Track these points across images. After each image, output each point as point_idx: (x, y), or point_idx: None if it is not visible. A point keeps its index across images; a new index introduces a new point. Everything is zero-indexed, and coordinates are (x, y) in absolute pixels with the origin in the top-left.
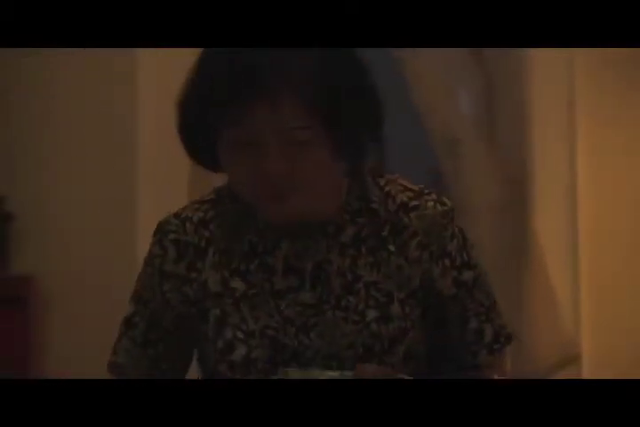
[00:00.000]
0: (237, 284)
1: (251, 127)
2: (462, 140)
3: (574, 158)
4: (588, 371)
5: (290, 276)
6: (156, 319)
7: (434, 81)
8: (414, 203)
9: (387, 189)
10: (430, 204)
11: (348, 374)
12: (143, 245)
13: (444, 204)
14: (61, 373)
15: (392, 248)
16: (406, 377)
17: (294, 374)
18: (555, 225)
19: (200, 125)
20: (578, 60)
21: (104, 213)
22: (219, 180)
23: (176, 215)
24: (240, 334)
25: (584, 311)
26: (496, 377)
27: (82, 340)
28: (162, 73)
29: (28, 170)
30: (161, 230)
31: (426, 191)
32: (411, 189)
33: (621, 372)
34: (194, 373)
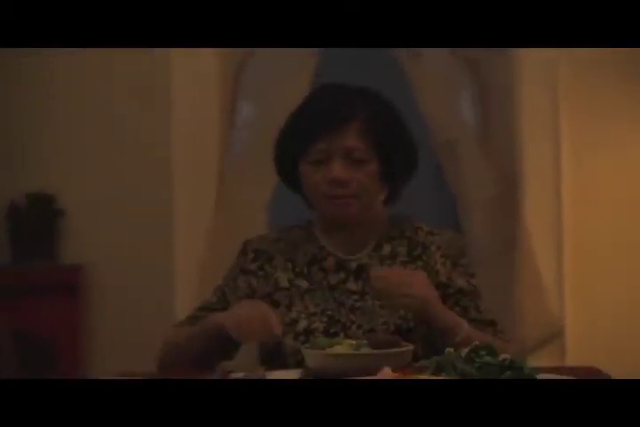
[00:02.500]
0: (302, 282)
1: (324, 150)
2: (459, 141)
3: (559, 157)
4: (570, 345)
5: (340, 272)
6: (227, 303)
7: (434, 86)
8: (436, 231)
9: (415, 224)
10: (449, 233)
11: (365, 349)
12: (179, 237)
13: (459, 233)
14: (108, 356)
15: (422, 262)
16: (408, 345)
17: (311, 353)
18: (542, 217)
19: (290, 153)
20: (563, 62)
21: (144, 209)
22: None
23: (259, 236)
24: (303, 315)
25: (567, 294)
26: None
27: (126, 323)
28: (183, 75)
29: (75, 171)
30: (246, 244)
31: (443, 227)
32: (431, 226)
33: (600, 346)
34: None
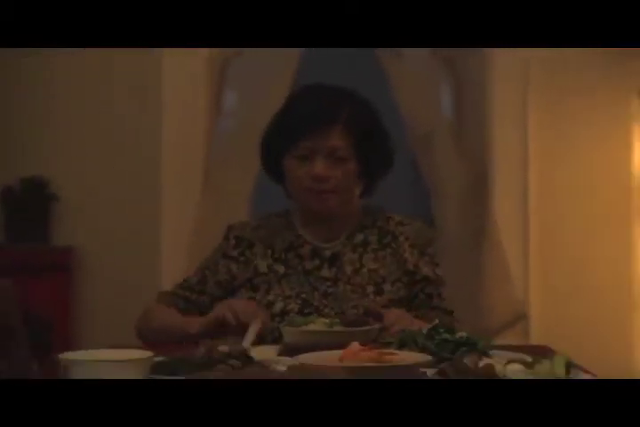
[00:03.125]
0: (279, 267)
1: (309, 147)
2: (434, 135)
3: (527, 150)
4: (534, 327)
5: (315, 259)
6: (206, 285)
7: (411, 83)
8: (407, 222)
9: (387, 215)
10: (418, 223)
11: (337, 327)
12: (166, 221)
13: (426, 224)
14: (97, 330)
15: (391, 249)
16: (375, 324)
17: (289, 330)
18: (509, 208)
19: (275, 147)
20: (533, 61)
21: (133, 194)
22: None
23: (241, 222)
24: (279, 298)
25: (532, 279)
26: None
27: (114, 300)
28: (179, 75)
29: (67, 157)
30: (229, 229)
31: (413, 218)
32: (401, 216)
33: (561, 328)
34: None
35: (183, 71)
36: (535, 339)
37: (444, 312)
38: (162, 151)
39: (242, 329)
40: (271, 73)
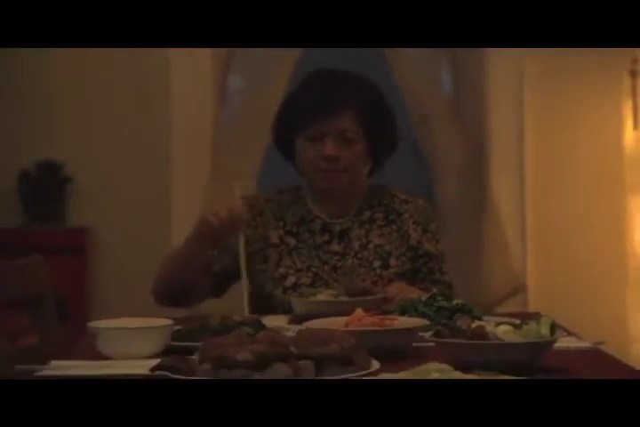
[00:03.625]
0: (290, 240)
1: (320, 129)
2: (432, 115)
3: (522, 127)
4: (532, 298)
5: (325, 233)
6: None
7: (411, 68)
8: (410, 200)
9: (392, 193)
10: (420, 201)
11: (342, 297)
12: (177, 201)
13: (429, 201)
14: (111, 306)
15: (396, 226)
16: (378, 293)
17: (297, 300)
18: (507, 182)
19: (288, 128)
20: (528, 54)
21: (144, 176)
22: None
23: (252, 195)
24: (291, 271)
25: (529, 252)
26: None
27: (128, 279)
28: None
29: (81, 142)
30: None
31: (416, 196)
32: (406, 194)
33: (558, 298)
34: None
35: (189, 60)
36: (533, 309)
37: (445, 285)
38: (172, 136)
39: (225, 230)
40: (274, 58)
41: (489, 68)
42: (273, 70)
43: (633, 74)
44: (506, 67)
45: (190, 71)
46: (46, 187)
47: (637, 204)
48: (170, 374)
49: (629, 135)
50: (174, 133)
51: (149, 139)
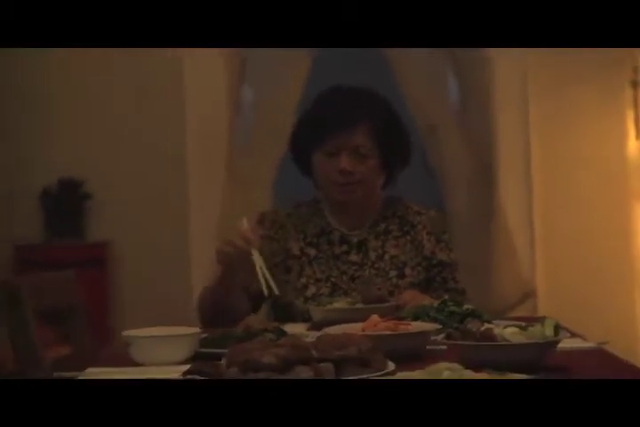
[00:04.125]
0: (311, 251)
1: (334, 145)
2: (440, 125)
3: (528, 137)
4: (542, 304)
5: (343, 245)
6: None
7: (417, 79)
8: (423, 211)
9: (405, 204)
10: (433, 212)
11: (358, 305)
12: (193, 215)
13: (441, 212)
14: (131, 321)
15: (410, 237)
16: (392, 301)
17: (316, 309)
18: (514, 191)
19: (305, 144)
20: (532, 55)
21: (161, 190)
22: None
23: (274, 209)
24: (311, 280)
25: (538, 259)
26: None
27: (147, 293)
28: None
29: (99, 159)
30: (262, 215)
31: (429, 207)
32: (419, 206)
33: (567, 305)
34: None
35: (204, 67)
36: (542, 314)
37: (458, 293)
38: (187, 146)
39: (245, 255)
40: (287, 66)
41: (494, 80)
42: (286, 79)
43: (634, 84)
44: (511, 78)
45: (205, 81)
46: (66, 203)
47: None
48: (201, 377)
49: (632, 144)
50: (189, 145)
51: (165, 152)
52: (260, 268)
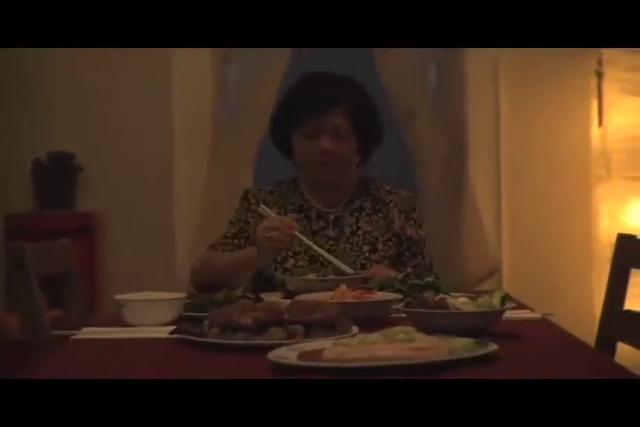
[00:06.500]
0: None
1: (315, 127)
2: (416, 111)
3: (498, 123)
4: (506, 280)
5: (320, 221)
6: (246, 233)
7: (397, 69)
8: (394, 191)
9: (378, 184)
10: (403, 191)
11: (329, 276)
12: (178, 187)
13: (411, 192)
14: (118, 286)
15: (382, 214)
16: (360, 273)
17: (290, 279)
18: (483, 173)
19: (284, 127)
20: (501, 52)
21: (148, 165)
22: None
23: (256, 187)
24: (291, 253)
25: (504, 236)
26: None
27: (134, 261)
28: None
29: (90, 134)
30: (247, 192)
31: (399, 187)
32: (390, 186)
33: (530, 279)
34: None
35: (190, 55)
36: (507, 289)
37: (425, 268)
38: (174, 127)
39: (291, 239)
40: (269, 55)
41: (467, 70)
42: (267, 65)
43: (599, 75)
44: (483, 68)
45: (191, 65)
46: (57, 175)
47: (601, 194)
48: (186, 337)
49: (595, 131)
50: (176, 125)
51: (153, 131)
52: (312, 246)
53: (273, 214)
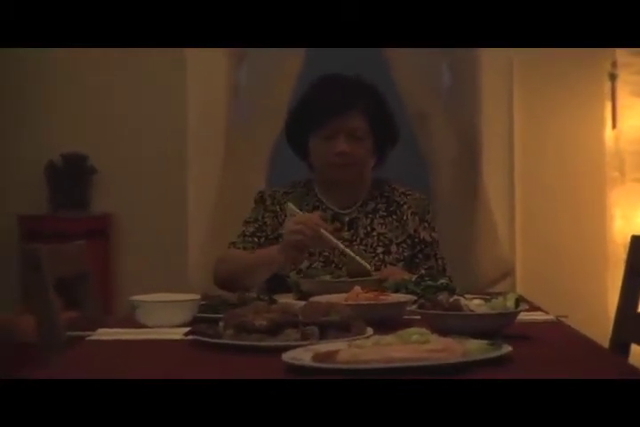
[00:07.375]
0: None
1: (332, 129)
2: (430, 113)
3: (512, 124)
4: (519, 282)
5: (335, 222)
6: (260, 231)
7: (410, 71)
8: (409, 193)
9: (392, 186)
10: (417, 194)
11: (343, 278)
12: (192, 191)
13: (425, 194)
14: (132, 287)
15: (396, 216)
16: (375, 275)
17: (304, 281)
18: (497, 174)
19: (301, 129)
20: (515, 54)
21: (162, 167)
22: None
23: (271, 189)
24: (305, 255)
25: (518, 238)
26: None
27: (147, 262)
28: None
29: (105, 135)
30: (262, 193)
31: (413, 189)
32: (405, 188)
33: (544, 281)
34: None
35: (205, 51)
36: (520, 292)
37: (438, 271)
38: (187, 128)
39: (317, 238)
40: (283, 56)
41: (481, 71)
42: (281, 67)
43: (612, 77)
44: (497, 70)
45: (206, 67)
46: (72, 177)
47: (616, 196)
48: (201, 338)
49: (609, 133)
50: (189, 126)
51: (167, 133)
52: (337, 244)
53: (300, 212)
